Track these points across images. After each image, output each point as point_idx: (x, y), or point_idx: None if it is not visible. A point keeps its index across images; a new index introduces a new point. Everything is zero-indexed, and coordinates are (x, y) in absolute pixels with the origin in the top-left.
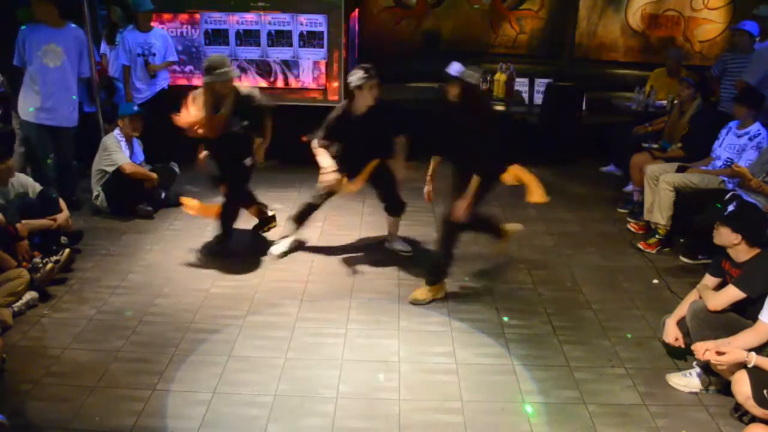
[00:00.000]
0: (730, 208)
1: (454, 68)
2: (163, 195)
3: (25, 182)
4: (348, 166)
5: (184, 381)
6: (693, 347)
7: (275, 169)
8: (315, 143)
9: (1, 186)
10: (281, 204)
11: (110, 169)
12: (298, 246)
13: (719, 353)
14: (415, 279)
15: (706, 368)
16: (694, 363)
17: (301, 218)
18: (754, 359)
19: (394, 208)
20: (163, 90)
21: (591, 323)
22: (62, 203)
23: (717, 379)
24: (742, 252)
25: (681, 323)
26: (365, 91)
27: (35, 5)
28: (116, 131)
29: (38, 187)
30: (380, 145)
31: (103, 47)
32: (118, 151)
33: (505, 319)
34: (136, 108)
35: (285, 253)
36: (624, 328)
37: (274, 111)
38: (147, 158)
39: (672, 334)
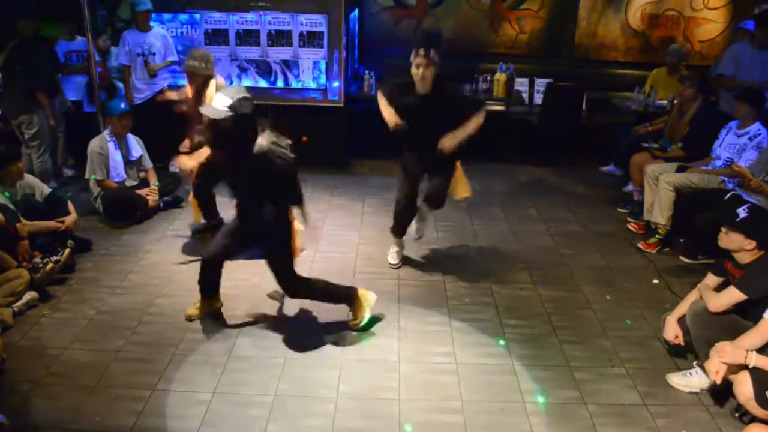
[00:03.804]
0: (742, 213)
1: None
2: (161, 205)
3: (33, 183)
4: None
5: (184, 381)
6: (706, 366)
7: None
8: None
9: (10, 187)
10: None
11: (87, 176)
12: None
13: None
14: (415, 279)
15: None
16: (695, 363)
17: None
18: (754, 359)
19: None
20: (164, 90)
21: (591, 323)
22: (71, 206)
23: None
24: (747, 255)
25: (681, 321)
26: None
27: None
28: (106, 132)
29: (46, 188)
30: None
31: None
32: (95, 164)
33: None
34: (123, 105)
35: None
36: (624, 328)
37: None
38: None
39: (672, 331)
